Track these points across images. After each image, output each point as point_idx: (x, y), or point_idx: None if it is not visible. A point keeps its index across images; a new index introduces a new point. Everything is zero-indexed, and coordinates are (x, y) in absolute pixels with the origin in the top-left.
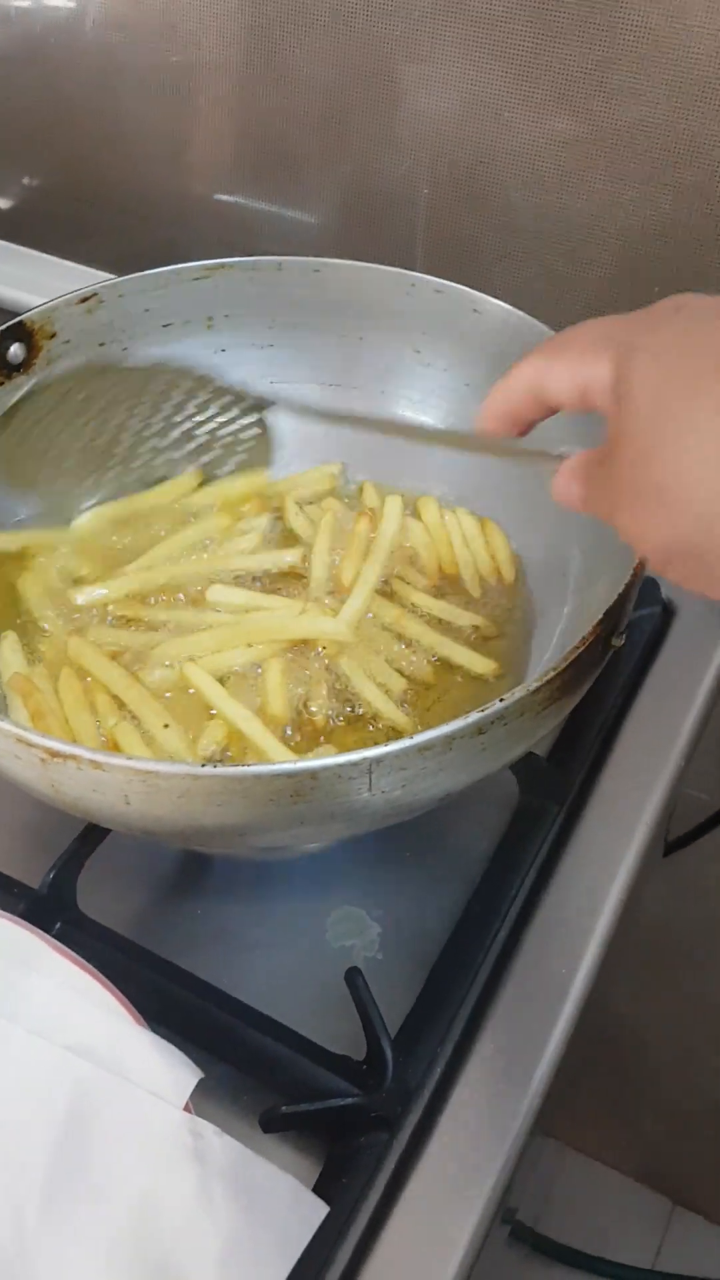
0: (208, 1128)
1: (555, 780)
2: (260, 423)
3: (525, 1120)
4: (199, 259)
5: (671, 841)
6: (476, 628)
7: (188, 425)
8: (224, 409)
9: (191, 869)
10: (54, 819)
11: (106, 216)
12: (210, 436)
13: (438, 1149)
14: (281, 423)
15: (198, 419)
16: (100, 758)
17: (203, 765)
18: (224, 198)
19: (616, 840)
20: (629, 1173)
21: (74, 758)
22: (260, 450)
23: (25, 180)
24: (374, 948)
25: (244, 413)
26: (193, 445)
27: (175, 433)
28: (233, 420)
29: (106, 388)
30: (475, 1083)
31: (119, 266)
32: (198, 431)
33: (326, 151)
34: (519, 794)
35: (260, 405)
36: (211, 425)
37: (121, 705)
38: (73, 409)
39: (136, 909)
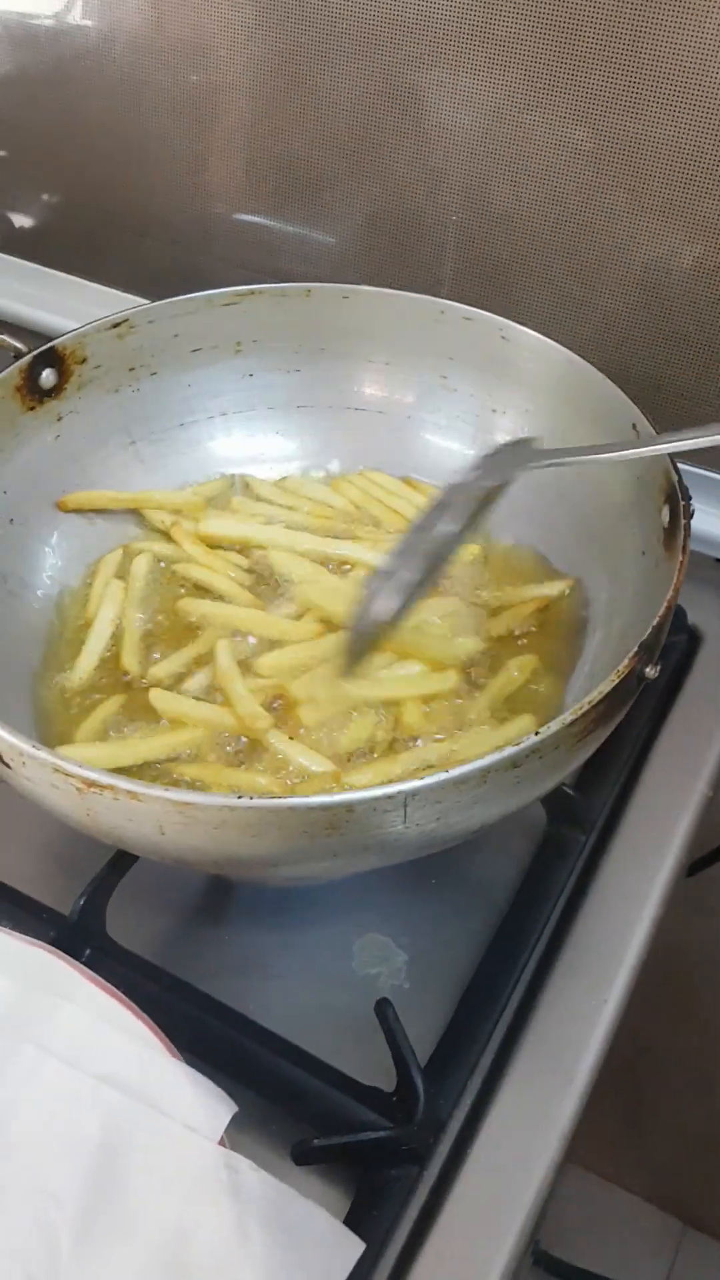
0: (243, 1163)
1: (582, 809)
2: None
3: (556, 1152)
4: (220, 280)
5: (693, 862)
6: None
7: None
8: None
9: (218, 895)
10: (83, 845)
11: (129, 237)
12: None
13: (468, 1182)
14: None
15: None
16: (137, 788)
17: (238, 797)
18: (246, 219)
19: (645, 869)
20: (640, 1194)
21: (110, 788)
22: None
23: (47, 200)
24: (400, 976)
25: None
26: None
27: None
28: None
29: None
30: (505, 1114)
31: (141, 287)
32: None
33: (350, 174)
34: (546, 823)
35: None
36: None
37: None
38: None
39: (164, 935)
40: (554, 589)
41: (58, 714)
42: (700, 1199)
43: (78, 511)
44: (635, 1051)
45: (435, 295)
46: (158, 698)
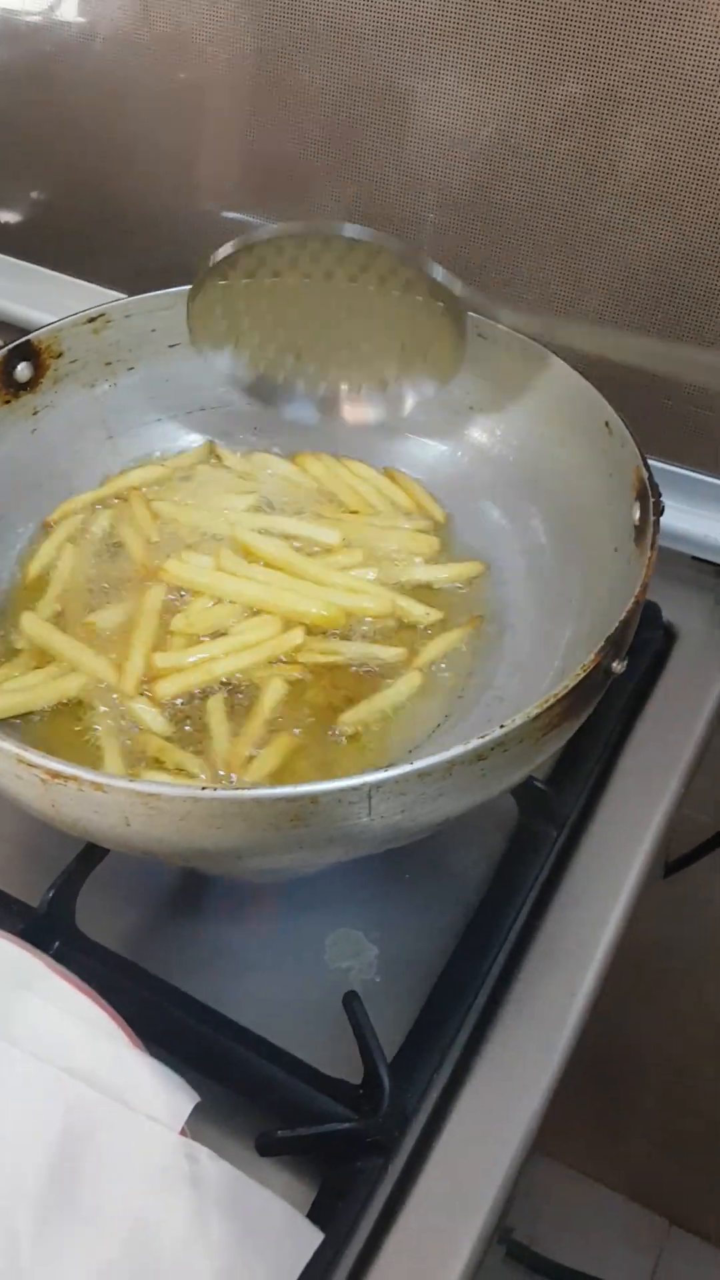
0: (203, 1152)
1: (555, 804)
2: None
3: (521, 1146)
4: None
5: (671, 862)
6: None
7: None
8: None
9: (190, 889)
10: (53, 838)
11: (114, 233)
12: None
13: (433, 1174)
14: None
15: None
16: (101, 779)
17: (203, 789)
18: (232, 215)
19: (617, 865)
20: (625, 1192)
21: (74, 779)
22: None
23: (33, 196)
24: (372, 970)
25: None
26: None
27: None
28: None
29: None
30: (472, 1108)
31: (127, 283)
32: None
33: (334, 171)
34: (518, 817)
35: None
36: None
37: None
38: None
39: (134, 929)
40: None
41: None
42: (684, 1196)
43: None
44: (617, 1050)
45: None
46: (28, 621)
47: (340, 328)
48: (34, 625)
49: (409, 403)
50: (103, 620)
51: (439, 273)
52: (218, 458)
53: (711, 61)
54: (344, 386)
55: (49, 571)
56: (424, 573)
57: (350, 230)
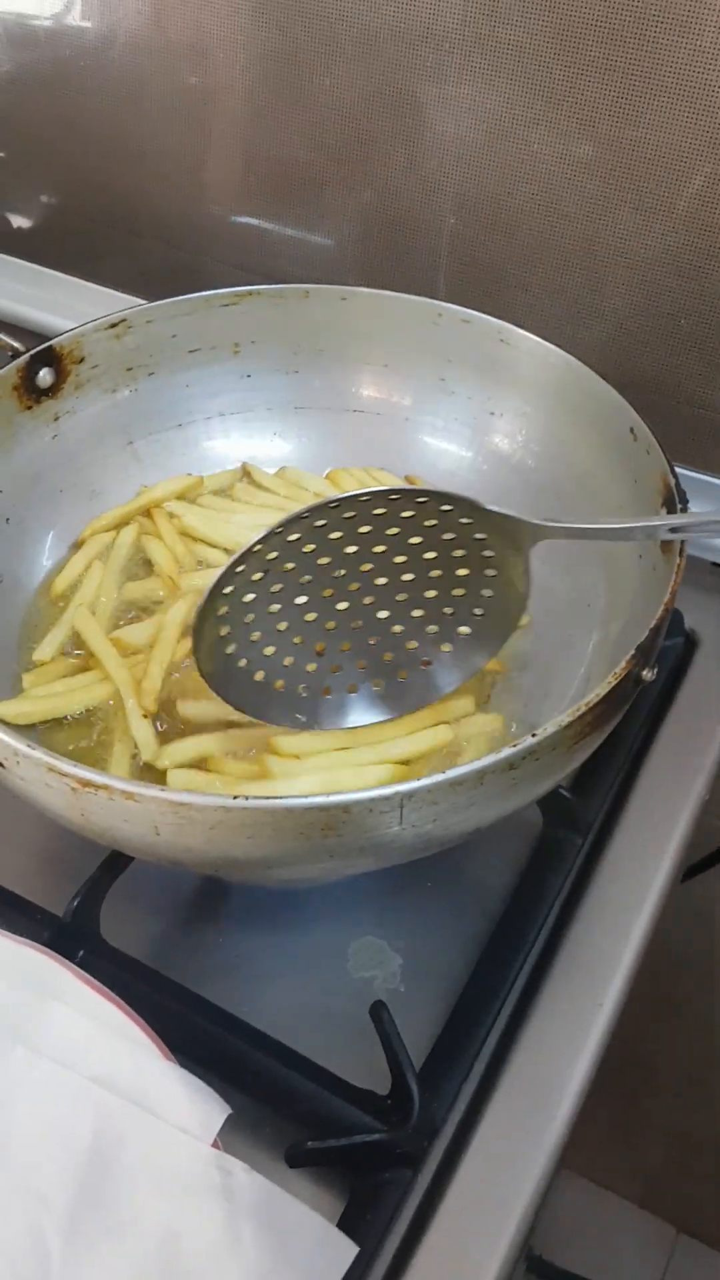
0: (236, 1165)
1: (579, 812)
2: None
3: (551, 1157)
4: (217, 282)
5: (689, 867)
6: None
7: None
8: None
9: (212, 897)
10: (76, 846)
11: (126, 238)
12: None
13: (462, 1186)
14: None
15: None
16: (133, 788)
17: (234, 798)
18: (244, 220)
19: (641, 871)
20: (633, 1199)
21: (105, 788)
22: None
23: (45, 200)
24: (395, 979)
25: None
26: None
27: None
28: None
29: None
30: (500, 1118)
31: (137, 287)
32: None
33: (349, 177)
34: (542, 825)
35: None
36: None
37: None
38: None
39: (158, 937)
40: None
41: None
42: (693, 1205)
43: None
44: (629, 1057)
45: (433, 299)
46: (82, 620)
47: (363, 615)
48: (88, 625)
49: (443, 687)
50: (128, 636)
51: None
52: (250, 477)
53: None
54: (362, 688)
55: (73, 586)
56: None
57: (369, 490)
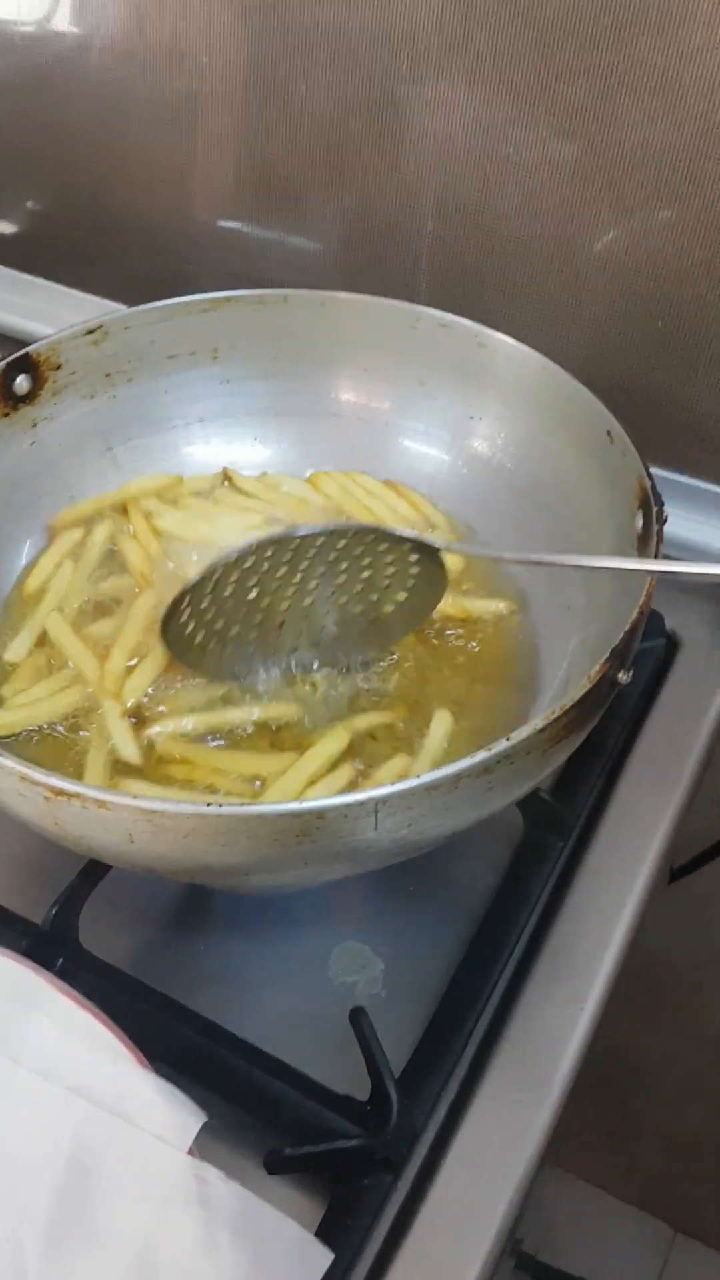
0: (213, 1172)
1: (560, 815)
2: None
3: (531, 1161)
4: (203, 286)
5: (676, 869)
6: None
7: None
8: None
9: (193, 905)
10: (55, 855)
11: (111, 244)
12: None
13: (442, 1191)
14: None
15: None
16: (105, 796)
17: (208, 805)
18: (228, 225)
19: (623, 875)
20: (630, 1200)
21: (78, 796)
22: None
23: (30, 207)
24: (377, 984)
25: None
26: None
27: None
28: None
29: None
30: (480, 1123)
31: (123, 294)
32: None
33: (331, 181)
34: (524, 829)
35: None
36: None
37: None
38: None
39: (138, 945)
40: (490, 608)
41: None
42: (689, 1205)
43: (66, 529)
44: (623, 1059)
45: (413, 303)
46: (53, 623)
47: (311, 603)
48: (58, 627)
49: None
50: (99, 632)
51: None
52: (231, 481)
53: (704, 71)
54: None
55: (45, 585)
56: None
57: (304, 529)
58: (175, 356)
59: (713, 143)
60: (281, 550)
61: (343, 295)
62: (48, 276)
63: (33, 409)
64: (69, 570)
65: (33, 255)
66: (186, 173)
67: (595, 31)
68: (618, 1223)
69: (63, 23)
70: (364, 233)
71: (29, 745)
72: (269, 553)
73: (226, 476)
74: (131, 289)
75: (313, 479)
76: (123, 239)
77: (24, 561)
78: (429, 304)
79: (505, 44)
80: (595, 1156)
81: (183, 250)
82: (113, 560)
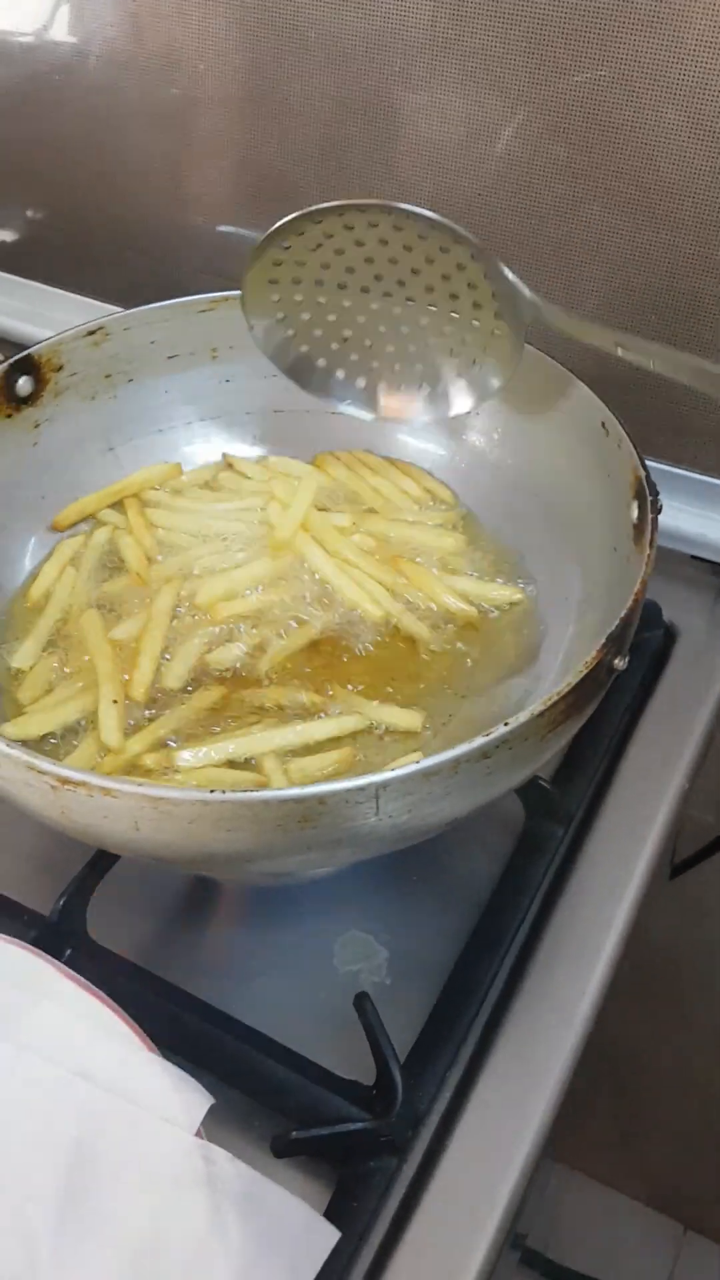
0: (220, 1153)
1: (560, 803)
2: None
3: (535, 1144)
4: (200, 290)
5: (677, 864)
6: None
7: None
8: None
9: (199, 896)
10: (63, 847)
11: (108, 249)
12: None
13: (447, 1173)
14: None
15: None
16: (111, 784)
17: (211, 791)
18: (225, 229)
19: (622, 862)
20: (639, 1197)
21: (84, 784)
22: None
23: (28, 213)
24: (381, 972)
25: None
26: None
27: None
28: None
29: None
30: (484, 1107)
31: (121, 298)
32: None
33: (325, 183)
34: (524, 818)
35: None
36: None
37: None
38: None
39: (145, 936)
40: (499, 594)
41: (7, 691)
42: (700, 1202)
43: (70, 525)
44: (631, 1056)
45: None
46: (89, 621)
47: (394, 321)
48: (93, 627)
49: (449, 409)
50: (121, 634)
51: (509, 274)
52: (233, 467)
53: (697, 69)
54: (383, 384)
55: (48, 593)
56: (458, 600)
57: (425, 212)
58: (175, 356)
59: (704, 139)
60: (382, 230)
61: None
62: (45, 281)
63: (35, 410)
64: (71, 577)
65: (30, 260)
66: (183, 178)
67: (583, 31)
68: (627, 1221)
69: (60, 32)
70: None
71: (41, 747)
72: (367, 228)
73: (228, 464)
74: (128, 292)
75: (318, 460)
76: (119, 243)
77: (28, 561)
78: None
79: (495, 44)
80: (604, 1154)
81: (179, 254)
82: (114, 561)
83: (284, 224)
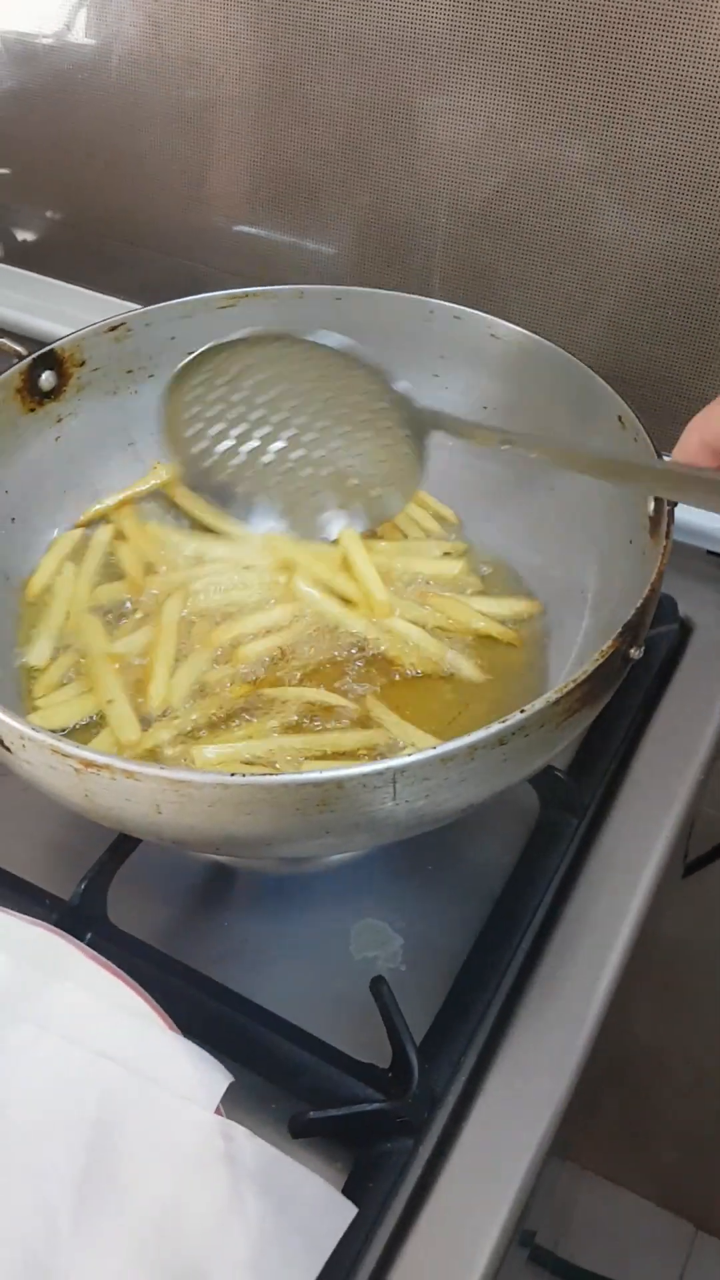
0: (239, 1130)
1: (575, 794)
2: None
3: (550, 1126)
4: (219, 289)
5: (690, 862)
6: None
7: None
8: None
9: (218, 882)
10: (83, 832)
11: (128, 248)
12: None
13: (463, 1155)
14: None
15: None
16: (134, 767)
17: (231, 775)
18: (243, 229)
19: (636, 854)
20: (650, 1197)
21: (108, 768)
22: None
23: (50, 213)
24: (397, 959)
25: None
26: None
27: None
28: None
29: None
30: (499, 1091)
31: (141, 296)
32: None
33: (344, 183)
34: (539, 808)
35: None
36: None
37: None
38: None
39: (165, 921)
40: (512, 609)
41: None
42: (711, 1201)
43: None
44: (642, 1055)
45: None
46: (89, 625)
47: (311, 445)
48: (94, 639)
49: (368, 523)
50: (126, 649)
51: (397, 389)
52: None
53: (715, 69)
54: (302, 507)
55: (47, 588)
56: (478, 617)
57: (323, 340)
58: (195, 352)
59: None
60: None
61: (357, 290)
62: (66, 279)
63: (57, 405)
64: (71, 575)
65: (51, 259)
66: (202, 177)
67: (601, 32)
68: (638, 1220)
69: (81, 33)
70: (378, 232)
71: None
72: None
73: None
74: (148, 291)
75: None
76: (139, 243)
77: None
78: (443, 300)
79: (515, 45)
80: (615, 1153)
81: (198, 253)
82: (114, 562)
83: (197, 356)
